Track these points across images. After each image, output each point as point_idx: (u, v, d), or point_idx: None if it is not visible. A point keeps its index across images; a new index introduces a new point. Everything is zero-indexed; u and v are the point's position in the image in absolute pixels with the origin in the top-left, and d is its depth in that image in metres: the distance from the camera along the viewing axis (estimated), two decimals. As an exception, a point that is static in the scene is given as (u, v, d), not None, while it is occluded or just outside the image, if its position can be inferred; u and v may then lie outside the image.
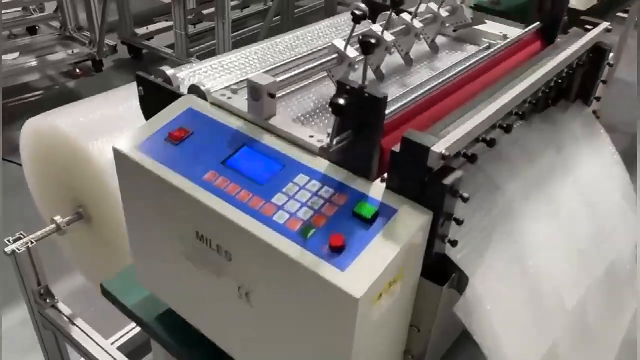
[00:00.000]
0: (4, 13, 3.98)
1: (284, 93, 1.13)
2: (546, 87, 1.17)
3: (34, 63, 3.78)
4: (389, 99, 0.89)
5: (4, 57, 3.85)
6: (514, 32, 1.42)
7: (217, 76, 1.25)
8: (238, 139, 0.98)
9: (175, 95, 1.10)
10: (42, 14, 4.01)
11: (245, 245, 0.86)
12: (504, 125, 1.00)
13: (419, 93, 1.04)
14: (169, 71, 1.17)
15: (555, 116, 1.27)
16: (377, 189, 0.86)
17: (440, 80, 1.10)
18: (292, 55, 1.33)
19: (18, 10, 4.01)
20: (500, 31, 1.42)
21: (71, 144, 1.64)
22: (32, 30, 4.28)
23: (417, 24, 1.28)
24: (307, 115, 1.11)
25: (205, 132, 1.00)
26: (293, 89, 1.14)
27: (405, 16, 1.28)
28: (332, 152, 0.83)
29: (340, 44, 1.12)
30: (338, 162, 0.90)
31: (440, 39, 1.45)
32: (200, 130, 1.00)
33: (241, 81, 1.15)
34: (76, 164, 1.65)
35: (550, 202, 1.06)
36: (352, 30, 1.07)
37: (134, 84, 1.69)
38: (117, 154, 1.00)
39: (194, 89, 1.13)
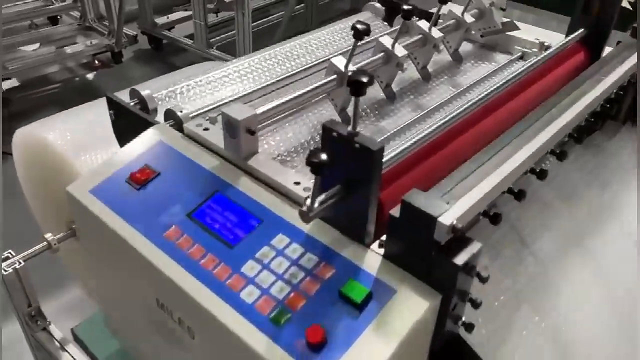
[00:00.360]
0: (25, 2, 3.88)
1: (272, 121, 0.95)
2: (591, 116, 0.95)
3: (53, 55, 3.68)
4: (394, 136, 0.70)
5: (25, 47, 3.77)
6: (552, 38, 1.20)
7: (202, 94, 1.08)
8: (210, 183, 0.80)
9: (146, 124, 0.93)
10: (62, 3, 3.89)
11: (207, 326, 0.69)
12: (537, 170, 0.80)
13: (431, 130, 0.85)
14: (144, 92, 1.00)
15: (600, 143, 1.06)
16: (372, 259, 0.68)
17: (459, 111, 0.90)
18: (291, 67, 1.15)
19: (38, 0, 3.90)
20: (536, 38, 1.21)
21: (59, 158, 1.50)
22: (54, 20, 4.17)
23: (436, 33, 1.07)
24: (298, 151, 0.92)
25: (174, 173, 0.83)
26: (284, 115, 0.95)
27: (423, 24, 1.07)
28: (312, 216, 0.65)
29: (339, 62, 0.93)
30: (327, 220, 0.72)
31: (465, 46, 1.24)
32: (168, 170, 0.83)
33: (225, 104, 0.98)
34: (65, 179, 1.51)
35: (594, 260, 0.86)
36: (354, 49, 0.88)
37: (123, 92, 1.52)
38: (70, 197, 0.85)
39: (170, 115, 0.96)
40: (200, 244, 0.73)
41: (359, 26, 0.86)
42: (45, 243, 1.66)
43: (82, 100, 3.50)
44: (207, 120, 0.91)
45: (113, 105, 0.99)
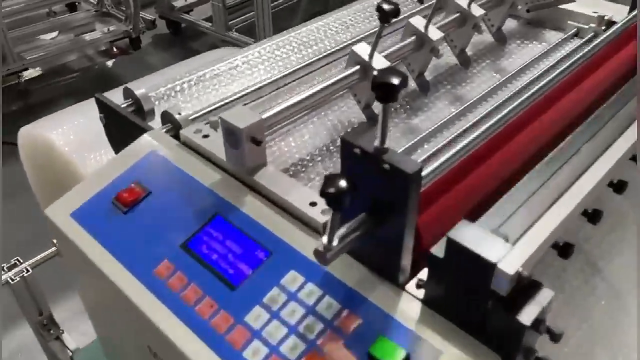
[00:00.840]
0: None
1: (284, 124, 0.79)
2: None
3: (70, 43, 3.57)
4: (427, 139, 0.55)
5: (43, 36, 3.67)
6: (614, 11, 1.01)
7: (206, 90, 0.94)
8: (209, 203, 0.66)
9: (139, 129, 0.79)
10: (79, -11, 3.78)
11: (204, 389, 0.55)
12: (614, 182, 0.64)
13: (476, 134, 0.69)
14: (139, 91, 0.85)
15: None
16: (408, 306, 0.53)
17: (509, 109, 0.73)
18: (308, 55, 0.99)
19: (55, -13, 3.79)
20: (594, 11, 1.02)
21: (64, 159, 1.38)
22: (72, 7, 4.06)
23: (476, 10, 0.90)
24: (315, 158, 0.77)
25: (167, 191, 0.69)
26: (298, 116, 0.80)
27: (462, 1, 0.90)
28: (331, 257, 0.50)
29: (363, 50, 0.77)
30: (350, 252, 0.58)
31: (508, 23, 1.06)
32: (160, 188, 0.69)
33: (228, 103, 0.83)
34: (70, 180, 1.40)
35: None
36: (379, 34, 0.72)
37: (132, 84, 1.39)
38: (49, 222, 0.71)
39: (167, 118, 0.82)
40: (196, 283, 0.59)
41: (385, 6, 0.70)
42: (54, 248, 1.55)
43: (101, 90, 3.38)
44: (207, 124, 0.76)
45: (102, 107, 0.85)
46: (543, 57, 0.96)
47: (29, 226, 1.87)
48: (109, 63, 3.66)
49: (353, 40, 0.98)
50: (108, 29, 3.56)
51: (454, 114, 0.82)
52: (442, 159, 0.64)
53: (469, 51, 0.97)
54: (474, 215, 0.54)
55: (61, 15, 3.95)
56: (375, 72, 0.76)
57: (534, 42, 1.02)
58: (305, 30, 1.07)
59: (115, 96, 1.37)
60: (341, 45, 0.97)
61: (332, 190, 0.45)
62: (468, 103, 0.84)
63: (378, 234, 0.53)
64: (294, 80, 0.93)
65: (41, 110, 3.18)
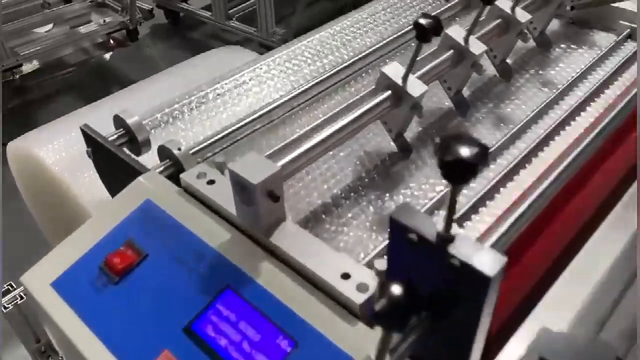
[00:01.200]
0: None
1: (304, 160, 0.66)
2: None
3: (66, 36, 3.42)
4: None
5: (38, 30, 3.52)
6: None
7: (208, 114, 0.81)
8: (218, 272, 0.54)
9: (132, 170, 0.67)
10: (73, -21, 3.61)
11: None
12: None
13: (543, 189, 0.56)
14: (131, 120, 0.73)
15: None
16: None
17: (573, 139, 0.60)
18: (323, 67, 0.87)
19: (49, -23, 3.62)
20: (650, 9, 0.88)
21: (55, 179, 1.26)
22: (67, -2, 3.90)
23: (522, 15, 0.77)
24: (342, 201, 0.65)
25: (168, 254, 0.57)
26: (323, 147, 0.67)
27: (504, 3, 0.77)
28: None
29: (395, 72, 0.64)
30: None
31: (551, 23, 0.93)
32: (159, 249, 0.57)
33: (235, 130, 0.71)
34: (61, 200, 1.28)
35: None
36: (415, 55, 0.59)
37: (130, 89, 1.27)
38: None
39: (165, 153, 0.69)
40: (205, 383, 0.47)
41: (423, 21, 0.57)
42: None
43: (99, 84, 3.22)
44: (213, 165, 0.64)
45: (89, 140, 0.73)
46: (595, 65, 0.83)
47: (20, 236, 1.75)
48: (107, 56, 3.52)
49: (374, 48, 0.86)
50: (104, 21, 3.40)
51: (501, 142, 0.69)
52: (509, 221, 0.52)
53: (509, 59, 0.84)
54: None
55: (55, 6, 3.79)
56: (411, 97, 0.63)
57: (583, 47, 0.89)
58: (319, 38, 0.94)
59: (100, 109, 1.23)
60: (360, 55, 0.85)
61: (384, 307, 0.33)
62: (516, 127, 0.71)
63: (440, 333, 0.41)
64: (309, 99, 0.80)
65: (38, 108, 3.05)
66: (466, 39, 0.70)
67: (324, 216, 0.63)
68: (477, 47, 0.70)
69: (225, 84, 0.84)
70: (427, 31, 0.57)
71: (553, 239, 0.56)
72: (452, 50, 0.70)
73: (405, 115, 0.65)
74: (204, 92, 0.81)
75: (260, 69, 0.88)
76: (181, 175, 0.62)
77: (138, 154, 0.75)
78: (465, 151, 0.33)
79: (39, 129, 1.40)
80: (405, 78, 0.63)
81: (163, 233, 0.58)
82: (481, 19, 0.70)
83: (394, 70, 0.64)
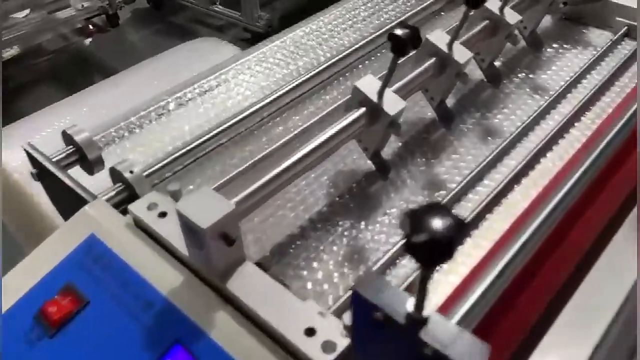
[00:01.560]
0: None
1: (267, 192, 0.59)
2: None
3: (43, 21, 3.30)
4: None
5: (15, 15, 3.39)
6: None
7: (170, 126, 0.73)
8: (167, 323, 0.47)
9: (76, 198, 0.60)
10: (49, -39, 3.47)
11: None
12: None
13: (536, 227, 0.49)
14: (80, 136, 0.65)
15: None
16: None
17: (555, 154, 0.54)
18: (297, 70, 0.79)
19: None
20: (649, 5, 0.81)
21: (19, 188, 1.18)
22: (45, -19, 3.76)
23: (511, 16, 0.69)
24: (309, 234, 0.57)
25: (111, 301, 0.50)
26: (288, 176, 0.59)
27: (492, 3, 0.69)
28: None
29: (369, 86, 0.57)
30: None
31: (543, 20, 0.86)
32: (102, 295, 0.50)
33: (197, 147, 0.64)
34: (26, 210, 1.20)
35: None
36: (391, 70, 0.52)
37: (107, 82, 1.20)
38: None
39: (117, 176, 0.62)
40: None
41: (399, 33, 0.50)
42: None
43: (78, 71, 3.09)
44: (168, 192, 0.57)
45: (34, 161, 0.65)
46: (590, 68, 0.76)
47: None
48: (86, 42, 3.40)
49: (353, 48, 0.78)
50: (82, 5, 3.28)
51: (489, 159, 0.62)
52: (490, 278, 0.45)
53: (497, 61, 0.76)
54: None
55: (33, -10, 3.65)
56: (387, 114, 0.56)
57: (577, 47, 0.82)
58: (292, 37, 0.86)
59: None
60: (337, 58, 0.78)
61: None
62: (505, 141, 0.64)
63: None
64: (282, 107, 0.73)
65: (17, 96, 2.94)
66: (450, 46, 0.62)
67: (291, 249, 0.56)
68: (462, 55, 0.62)
69: (189, 91, 0.76)
70: (404, 43, 0.50)
71: (547, 282, 0.50)
72: (434, 59, 0.63)
73: (382, 133, 0.58)
74: (165, 102, 0.74)
75: (229, 73, 0.80)
76: (129, 207, 0.55)
77: (91, 173, 0.68)
78: (438, 228, 0.26)
79: (7, 127, 1.32)
80: (380, 93, 0.56)
81: (107, 276, 0.51)
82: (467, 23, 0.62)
83: (369, 84, 0.57)
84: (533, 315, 0.51)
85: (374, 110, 0.57)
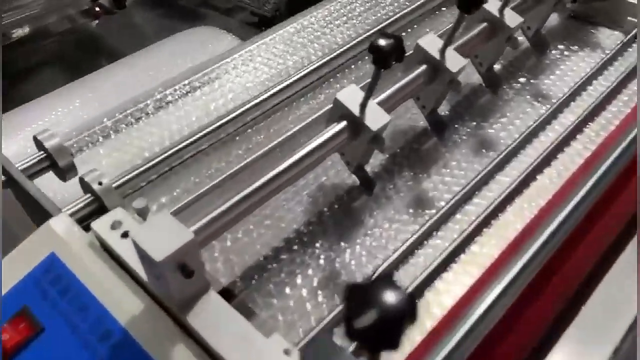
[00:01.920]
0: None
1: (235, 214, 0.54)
2: None
3: (49, 3, 3.26)
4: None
5: (21, -5, 3.35)
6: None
7: (149, 130, 0.69)
8: (125, 355, 0.44)
9: (42, 210, 0.56)
10: (56, -59, 3.41)
11: None
12: None
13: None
14: (50, 142, 0.62)
15: None
16: None
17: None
18: (285, 70, 0.75)
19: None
20: (663, 5, 0.75)
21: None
22: (51, -39, 3.71)
23: (511, 19, 0.64)
24: (289, 257, 0.54)
25: (67, 328, 0.47)
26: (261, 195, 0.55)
27: (492, 5, 0.64)
28: None
29: (351, 98, 0.53)
30: None
31: (549, 20, 0.80)
32: (58, 322, 0.47)
33: (172, 155, 0.60)
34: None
35: None
36: (374, 80, 0.48)
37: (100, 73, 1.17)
38: None
39: (86, 187, 0.59)
40: None
41: (382, 43, 0.45)
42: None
43: (84, 55, 3.07)
44: (134, 209, 0.53)
45: (3, 171, 0.62)
46: (597, 73, 0.71)
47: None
48: (93, 24, 3.35)
49: (334, 54, 0.74)
50: (88, -14, 3.24)
51: (482, 175, 0.58)
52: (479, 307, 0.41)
53: (497, 63, 0.71)
54: None
55: (40, -30, 3.61)
56: (369, 129, 0.52)
57: (584, 49, 0.76)
58: (282, 33, 0.81)
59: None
60: (329, 57, 0.73)
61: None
62: (501, 154, 0.60)
63: None
64: (266, 111, 0.69)
65: (23, 81, 2.91)
66: (443, 52, 0.58)
67: (264, 273, 0.52)
68: (455, 62, 0.57)
69: (170, 93, 0.72)
70: (386, 56, 0.45)
71: (540, 314, 0.46)
72: (425, 65, 0.58)
73: (365, 148, 0.54)
74: (144, 103, 0.70)
75: (213, 73, 0.76)
76: (92, 225, 0.51)
77: (63, 179, 0.64)
78: (385, 308, 0.22)
79: (8, 113, 1.27)
80: (363, 106, 0.52)
81: (64, 300, 0.48)
82: (461, 29, 0.57)
83: (351, 95, 0.52)
84: (524, 352, 0.47)
85: (356, 125, 0.52)
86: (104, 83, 1.27)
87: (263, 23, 2.27)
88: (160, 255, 0.40)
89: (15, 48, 3.24)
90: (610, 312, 0.49)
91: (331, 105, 0.53)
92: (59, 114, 1.13)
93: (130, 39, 3.02)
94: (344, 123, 0.52)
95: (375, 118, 0.52)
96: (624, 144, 0.52)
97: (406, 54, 0.49)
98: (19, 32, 3.30)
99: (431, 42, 0.58)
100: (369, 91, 0.50)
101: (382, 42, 0.45)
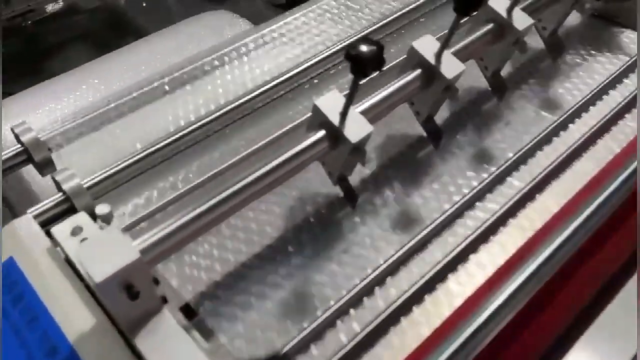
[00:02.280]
0: None
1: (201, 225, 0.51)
2: None
3: (77, -20, 3.25)
4: None
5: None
6: None
7: (131, 127, 0.66)
8: (70, 376, 0.42)
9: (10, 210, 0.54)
10: None
11: None
12: None
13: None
14: (27, 136, 0.59)
15: None
16: None
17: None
18: (272, 70, 0.71)
19: None
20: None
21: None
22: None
23: (520, 20, 0.58)
24: (257, 273, 0.50)
25: (16, 341, 0.44)
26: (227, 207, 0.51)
27: (499, 4, 0.58)
28: None
29: (331, 106, 0.48)
30: None
31: (569, 19, 0.74)
32: (8, 333, 0.45)
33: (148, 156, 0.57)
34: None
35: None
36: (353, 90, 0.43)
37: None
38: None
39: (58, 186, 0.56)
40: None
41: (364, 49, 0.41)
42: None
43: (112, 34, 3.07)
44: (97, 216, 0.50)
45: (-24, 162, 0.60)
46: (617, 80, 0.64)
47: None
48: (121, 1, 3.35)
49: (337, 48, 0.69)
50: (117, -37, 3.22)
51: (469, 197, 0.53)
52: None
53: (506, 67, 0.66)
54: None
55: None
56: (348, 141, 0.47)
57: (605, 52, 0.69)
58: (275, 29, 0.77)
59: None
60: (316, 59, 0.69)
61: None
62: (502, 167, 0.55)
63: None
64: (246, 115, 0.65)
65: (51, 56, 2.93)
66: (438, 56, 0.52)
67: (229, 291, 0.48)
68: (451, 67, 0.52)
69: (152, 88, 0.69)
70: (364, 64, 0.41)
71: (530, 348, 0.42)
72: (419, 70, 0.53)
73: (345, 159, 0.50)
74: (125, 99, 0.67)
75: (201, 68, 0.72)
76: (52, 230, 0.48)
77: (42, 174, 0.62)
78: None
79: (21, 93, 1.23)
80: (344, 114, 0.47)
81: (17, 310, 0.46)
82: (460, 30, 0.52)
83: (330, 102, 0.48)
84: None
85: (335, 135, 0.48)
86: (112, 65, 1.25)
87: (291, 4, 2.22)
88: (101, 276, 0.36)
89: (48, 23, 3.26)
90: (609, 352, 0.45)
91: (310, 114, 0.49)
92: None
93: (157, 19, 3.01)
94: (322, 132, 0.48)
95: (356, 129, 0.47)
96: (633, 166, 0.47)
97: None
98: (54, 7, 3.32)
99: (427, 45, 0.53)
100: (349, 100, 0.45)
101: (364, 47, 0.41)
